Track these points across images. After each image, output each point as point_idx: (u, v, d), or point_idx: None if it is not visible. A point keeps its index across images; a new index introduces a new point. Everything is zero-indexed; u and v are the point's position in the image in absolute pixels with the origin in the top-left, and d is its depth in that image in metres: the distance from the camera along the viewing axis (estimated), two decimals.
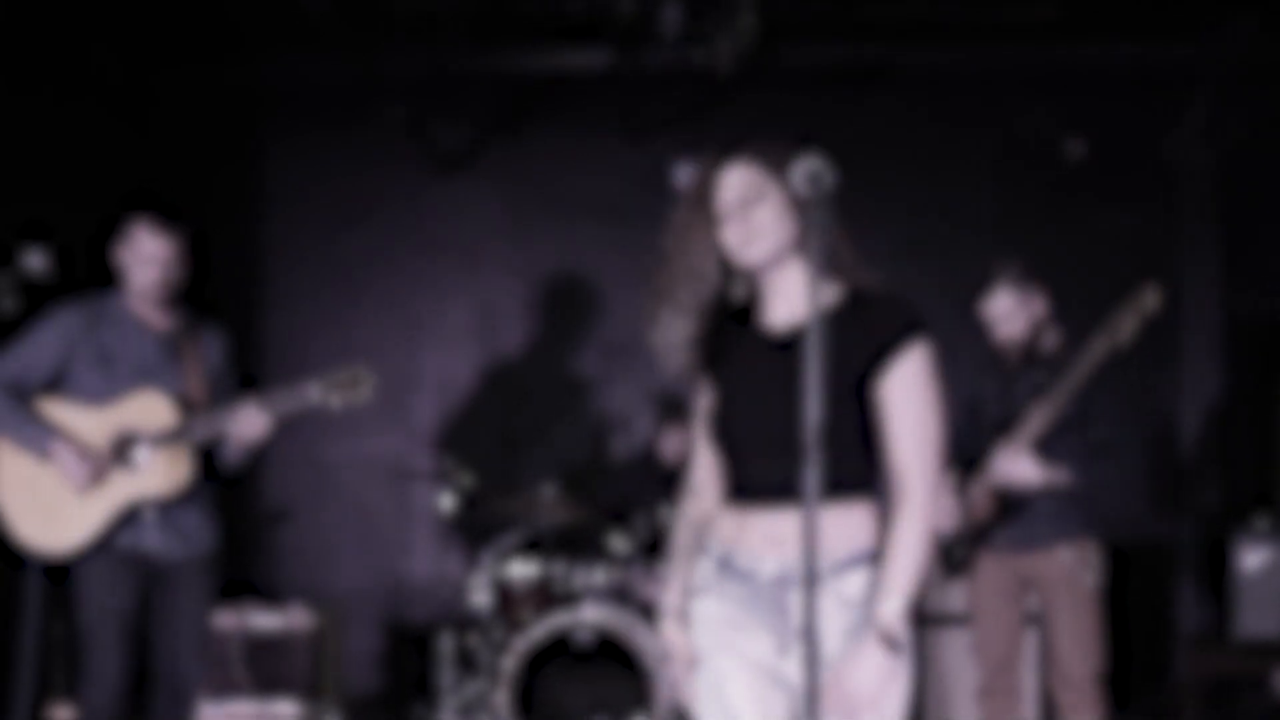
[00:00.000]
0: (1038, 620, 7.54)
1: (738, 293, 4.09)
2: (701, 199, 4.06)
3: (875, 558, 3.95)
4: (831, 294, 3.98)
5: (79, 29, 8.89)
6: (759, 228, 3.94)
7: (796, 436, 3.68)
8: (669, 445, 9.41)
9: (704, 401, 4.18)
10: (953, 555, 7.13)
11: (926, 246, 9.91)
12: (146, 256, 6.40)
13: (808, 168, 3.63)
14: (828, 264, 3.85)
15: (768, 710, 3.97)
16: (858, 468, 3.97)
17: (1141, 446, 10.04)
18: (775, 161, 3.96)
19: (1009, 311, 6.95)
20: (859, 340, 3.92)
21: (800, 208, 3.88)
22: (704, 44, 8.93)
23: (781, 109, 9.94)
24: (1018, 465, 6.68)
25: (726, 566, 4.01)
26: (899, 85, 10.41)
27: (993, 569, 7.01)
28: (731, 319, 4.12)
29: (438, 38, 9.46)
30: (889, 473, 3.98)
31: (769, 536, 3.92)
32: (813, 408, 3.53)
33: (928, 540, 3.94)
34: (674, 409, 9.41)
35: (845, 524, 3.92)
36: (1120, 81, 10.17)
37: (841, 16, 9.66)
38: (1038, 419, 6.67)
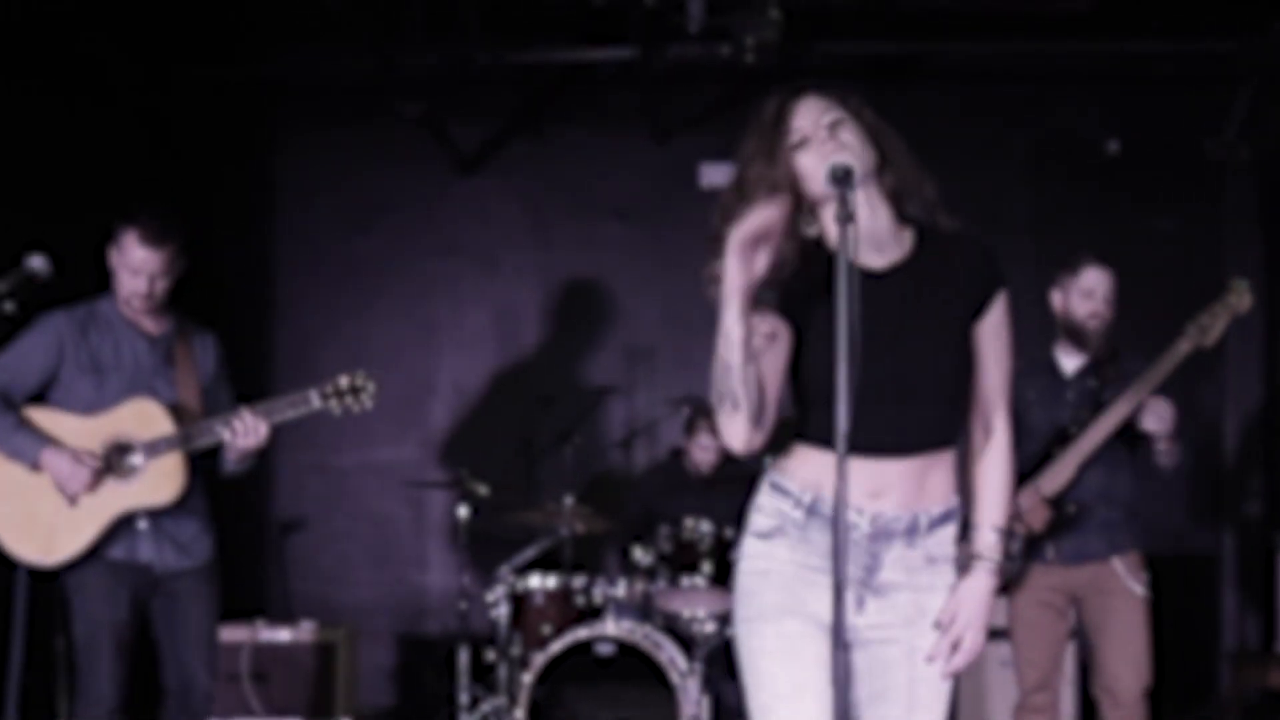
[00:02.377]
0: (1075, 635, 7.50)
1: (809, 230, 3.99)
2: (775, 127, 3.98)
3: (957, 510, 4.01)
4: (909, 237, 4.01)
5: (86, 25, 8.89)
6: (848, 143, 3.87)
7: (907, 382, 3.79)
8: (697, 453, 9.37)
9: (767, 328, 3.96)
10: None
11: (974, 233, 9.83)
12: (133, 265, 6.38)
13: (833, 166, 3.65)
14: (912, 201, 3.97)
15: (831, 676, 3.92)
16: (957, 416, 4.03)
17: (1183, 455, 10.00)
18: (846, 98, 3.99)
19: (1111, 288, 6.91)
20: (960, 281, 3.97)
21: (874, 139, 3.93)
22: (730, 38, 8.89)
23: None
24: (1156, 411, 6.60)
25: (815, 513, 3.95)
26: (931, 80, 10.40)
27: (1042, 582, 6.95)
28: (809, 254, 4.00)
29: (456, 32, 9.44)
30: (976, 408, 4.06)
31: (869, 486, 3.86)
32: (843, 403, 3.53)
33: (1014, 473, 4.11)
34: (701, 415, 9.36)
35: (943, 477, 3.97)
36: (1161, 78, 10.13)
37: (872, 9, 9.62)
38: (1105, 425, 6.63)
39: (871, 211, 3.87)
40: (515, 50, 9.96)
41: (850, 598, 3.83)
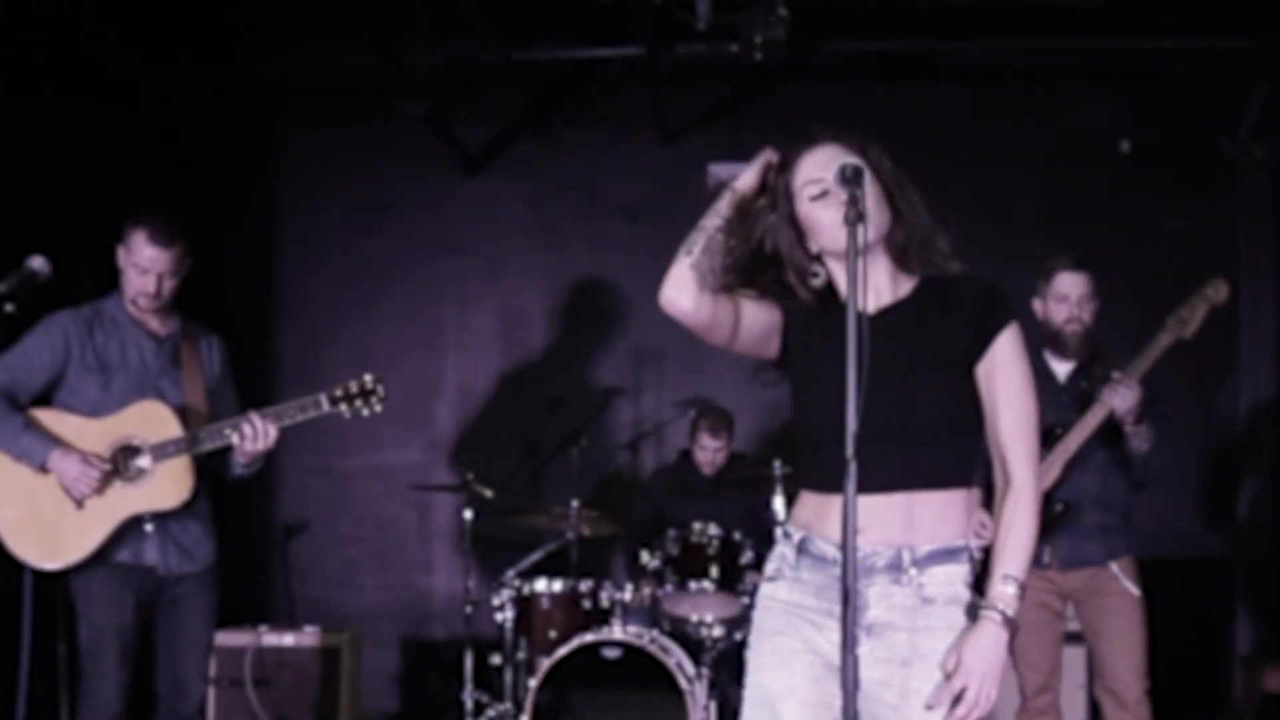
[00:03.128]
0: (1079, 638, 7.51)
1: (814, 281, 3.99)
2: (787, 187, 3.97)
3: (962, 553, 3.97)
4: (907, 284, 4.00)
5: (88, 23, 8.89)
6: (869, 204, 3.81)
7: (888, 421, 3.77)
8: (698, 454, 9.37)
9: (755, 313, 4.09)
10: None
11: (970, 248, 9.77)
12: (141, 264, 6.39)
13: (842, 165, 3.67)
14: (922, 255, 3.96)
15: (829, 702, 3.89)
16: (958, 457, 3.98)
17: (1196, 458, 10.00)
18: (866, 148, 3.95)
19: (1086, 291, 6.91)
20: (957, 322, 3.94)
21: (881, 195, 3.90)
22: (738, 36, 8.88)
23: (820, 104, 9.92)
24: (1120, 391, 6.60)
25: (805, 552, 3.99)
26: (942, 79, 10.40)
27: (1037, 584, 6.96)
28: (811, 305, 4.03)
29: (461, 31, 9.44)
30: (994, 453, 4.00)
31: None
32: (852, 409, 3.54)
33: (1037, 520, 4.00)
34: (702, 416, 9.37)
35: (939, 516, 3.93)
36: (1174, 76, 10.12)
37: (881, 6, 9.62)
38: (1090, 422, 6.65)
39: (871, 261, 3.85)
40: (521, 49, 9.96)
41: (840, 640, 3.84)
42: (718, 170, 10.30)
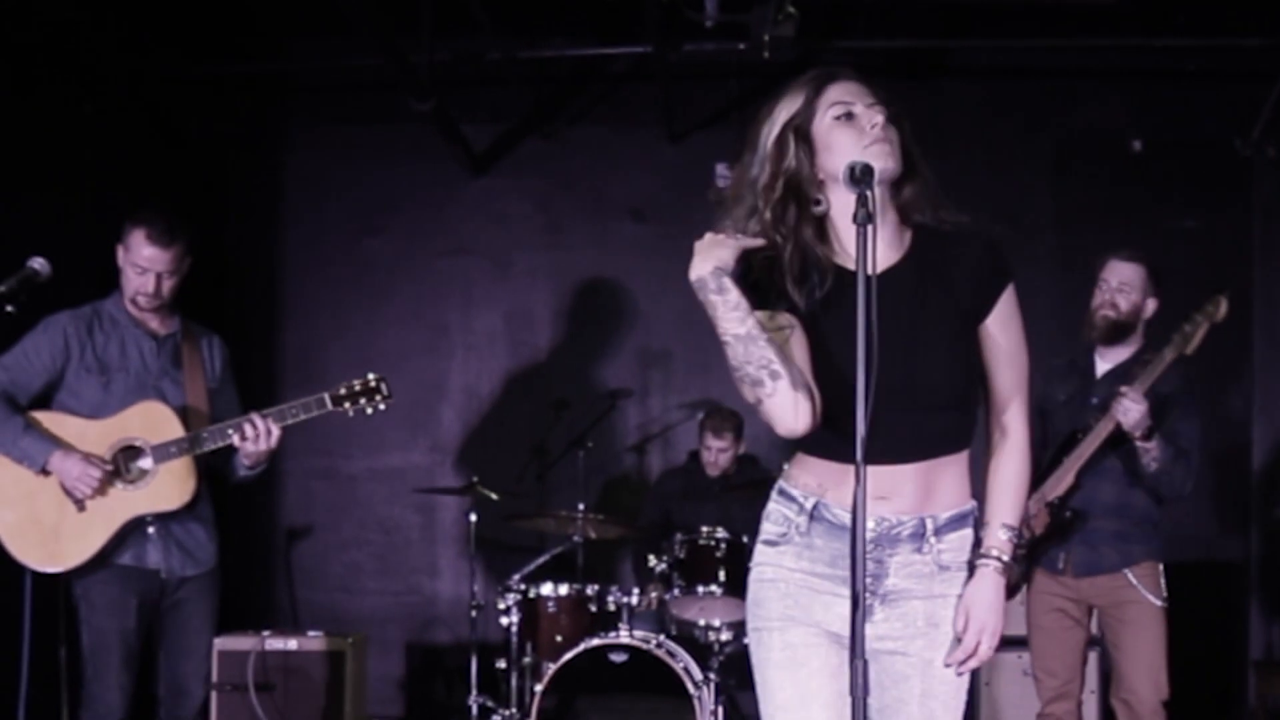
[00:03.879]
0: (1098, 643, 7.50)
1: (817, 209, 3.94)
2: (808, 95, 3.95)
3: (971, 516, 3.98)
4: (908, 237, 3.97)
5: (91, 21, 8.89)
6: (892, 145, 3.83)
7: (907, 386, 3.75)
8: (704, 455, 9.37)
9: (786, 320, 3.94)
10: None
11: (978, 227, 9.77)
12: (140, 264, 6.38)
13: (851, 165, 3.63)
14: (917, 197, 3.93)
15: (844, 686, 3.88)
16: (967, 418, 3.98)
17: (1210, 461, 9.97)
18: (890, 100, 3.95)
19: (1128, 281, 6.90)
20: (961, 278, 3.93)
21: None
22: (747, 34, 8.88)
23: None
24: (1124, 404, 6.59)
25: (818, 518, 3.94)
26: (953, 76, 10.39)
27: (1054, 590, 6.96)
28: (812, 263, 3.93)
29: (467, 29, 9.44)
30: (992, 406, 4.03)
31: (871, 492, 3.70)
32: (861, 409, 3.49)
33: (1030, 472, 4.06)
34: (708, 417, 9.36)
35: (953, 481, 3.94)
36: (1189, 75, 10.09)
37: (892, 3, 9.62)
38: (1100, 432, 6.65)
39: (881, 217, 3.76)
40: (528, 47, 9.97)
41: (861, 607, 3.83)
42: (726, 169, 10.30)
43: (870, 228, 3.54)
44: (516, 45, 9.83)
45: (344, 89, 10.69)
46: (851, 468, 3.61)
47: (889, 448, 3.74)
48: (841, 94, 3.91)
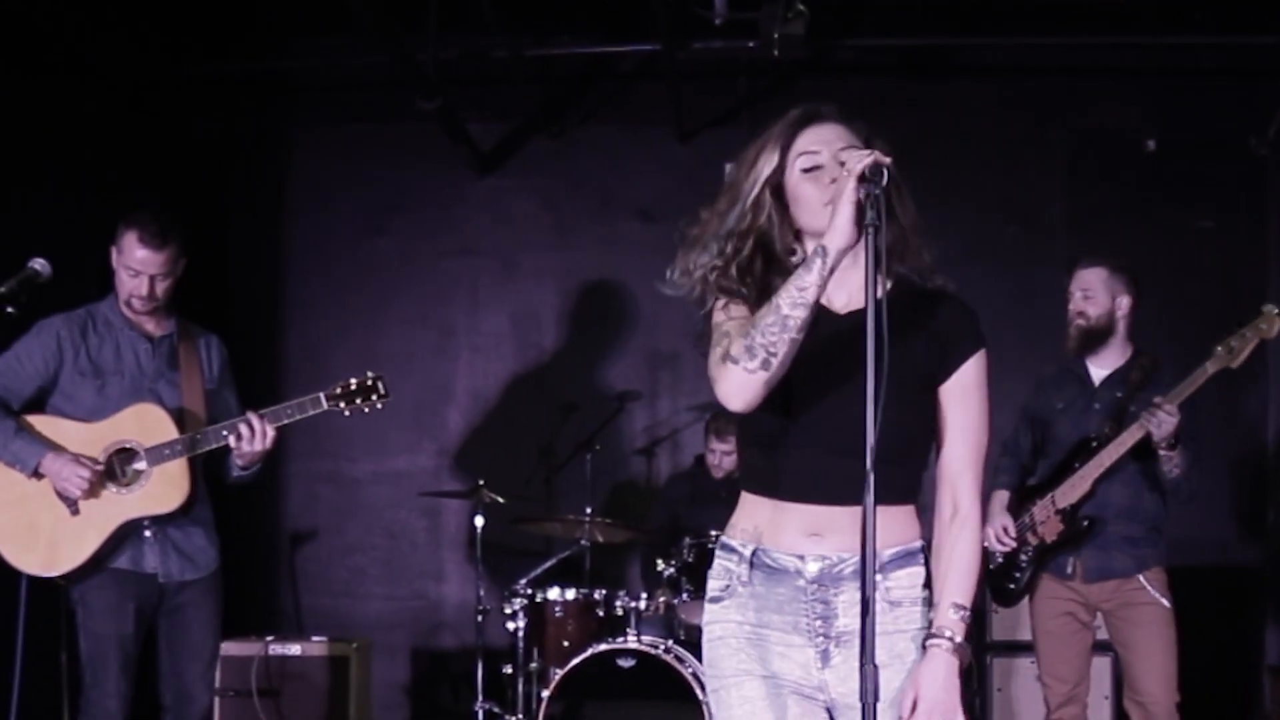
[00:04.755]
0: (1106, 647, 7.50)
1: (793, 260, 3.92)
2: (782, 146, 3.93)
3: (919, 554, 3.94)
4: (889, 283, 3.89)
5: (93, 19, 8.88)
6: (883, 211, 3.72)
7: (850, 433, 3.61)
8: (710, 458, 9.36)
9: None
10: (1010, 583, 7.12)
11: (993, 249, 9.83)
12: (133, 266, 6.37)
13: (864, 167, 3.57)
14: (895, 243, 3.85)
15: None
16: (909, 474, 3.94)
17: (1225, 465, 9.96)
18: (871, 137, 3.89)
19: (1089, 286, 6.93)
20: (927, 338, 3.89)
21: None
22: (756, 32, 8.88)
23: (841, 101, 9.87)
24: (1159, 416, 6.58)
25: (758, 564, 3.92)
26: (964, 75, 10.37)
27: (1061, 594, 6.97)
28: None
29: (473, 26, 9.43)
30: (942, 477, 3.98)
31: (808, 529, 3.82)
32: (871, 411, 3.46)
33: (980, 549, 3.98)
34: (715, 420, 9.35)
35: (897, 523, 3.89)
36: (1203, 73, 10.09)
37: (902, 1, 9.62)
38: (1126, 441, 6.66)
39: (853, 258, 3.72)
40: (534, 44, 9.98)
41: (812, 653, 3.87)
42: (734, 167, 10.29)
43: (874, 230, 3.51)
44: (524, 43, 9.83)
45: (349, 87, 10.68)
46: (791, 508, 3.81)
47: (821, 489, 3.78)
48: (810, 142, 3.90)
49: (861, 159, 3.58)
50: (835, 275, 3.70)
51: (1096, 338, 6.94)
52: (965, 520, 3.93)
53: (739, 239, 3.96)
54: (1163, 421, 6.46)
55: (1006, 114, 10.39)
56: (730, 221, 3.99)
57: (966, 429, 3.94)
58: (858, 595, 3.73)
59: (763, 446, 3.93)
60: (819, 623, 3.86)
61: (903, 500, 3.91)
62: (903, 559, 3.91)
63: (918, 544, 3.95)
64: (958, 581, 3.88)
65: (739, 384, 3.75)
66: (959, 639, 3.84)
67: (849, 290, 3.89)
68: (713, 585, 4.03)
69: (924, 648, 3.86)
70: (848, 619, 3.84)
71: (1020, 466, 7.22)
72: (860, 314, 3.70)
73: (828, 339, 3.72)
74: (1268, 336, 6.54)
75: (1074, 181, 10.31)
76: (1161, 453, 6.58)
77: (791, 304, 3.64)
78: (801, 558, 3.85)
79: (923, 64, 10.25)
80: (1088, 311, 6.93)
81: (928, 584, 3.94)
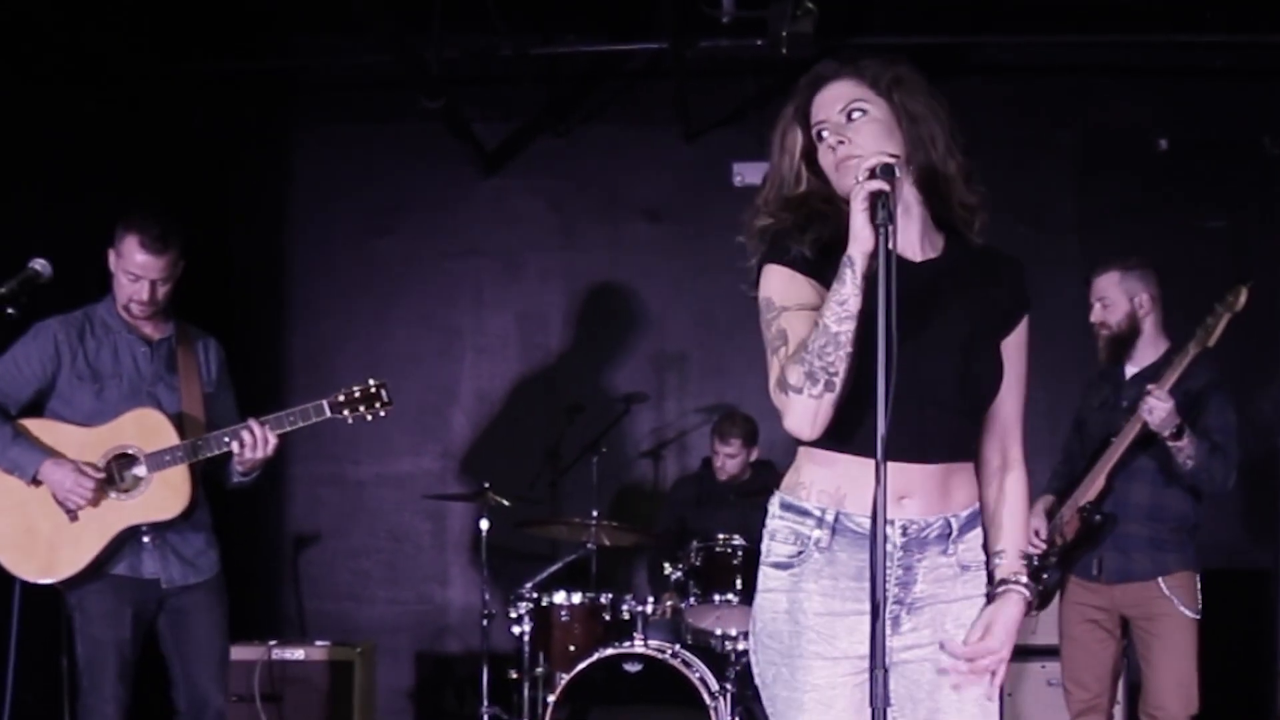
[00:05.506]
0: (1126, 654, 7.49)
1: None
2: (801, 113, 3.95)
3: (979, 515, 3.95)
4: (940, 241, 3.93)
5: (94, 16, 8.88)
6: (860, 143, 3.75)
7: (935, 386, 3.68)
8: (716, 460, 9.35)
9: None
10: (1039, 585, 7.10)
11: (1004, 248, 9.74)
12: (134, 271, 6.36)
13: (873, 165, 3.54)
14: (950, 196, 3.87)
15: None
16: (978, 432, 3.95)
17: (1238, 468, 9.93)
18: (877, 76, 3.87)
19: (1106, 293, 6.92)
20: (993, 293, 3.91)
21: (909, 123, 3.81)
22: (764, 31, 8.88)
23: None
24: (1150, 403, 6.58)
25: (841, 530, 3.80)
26: (974, 74, 10.36)
27: (1088, 599, 6.96)
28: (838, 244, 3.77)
29: (478, 24, 9.43)
30: (993, 432, 3.99)
31: (896, 491, 3.66)
32: (881, 410, 3.39)
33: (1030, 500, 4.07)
34: (721, 422, 9.34)
35: (965, 481, 3.90)
36: (1215, 72, 10.08)
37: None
38: (1126, 436, 6.65)
39: (904, 209, 3.76)
40: (540, 43, 9.95)
41: (886, 617, 3.68)
42: (742, 169, 10.30)
43: (890, 228, 3.47)
44: (529, 42, 9.82)
45: (352, 86, 10.68)
46: (863, 467, 3.58)
47: (913, 445, 3.68)
48: (817, 111, 3.90)
49: (866, 167, 3.55)
50: (900, 231, 3.72)
51: (1123, 342, 6.92)
52: (1020, 471, 4.00)
53: (792, 207, 3.90)
54: (1154, 408, 6.44)
55: (1017, 113, 10.38)
56: (781, 197, 3.93)
57: (1020, 382, 3.98)
58: (939, 560, 3.83)
59: (842, 403, 3.73)
60: (897, 589, 3.81)
61: (973, 457, 3.93)
62: (972, 519, 3.91)
63: (978, 505, 3.95)
64: (1019, 529, 3.95)
65: (808, 413, 3.68)
66: (1028, 582, 3.90)
67: (910, 243, 3.85)
68: (779, 549, 3.90)
69: (993, 596, 3.88)
70: (925, 584, 3.83)
71: (1072, 473, 7.19)
72: (928, 266, 3.81)
73: (908, 291, 3.57)
74: (1234, 310, 6.52)
75: (1085, 181, 10.31)
76: (1169, 444, 6.56)
77: (837, 320, 3.58)
78: (891, 523, 3.72)
79: (933, 63, 10.19)
80: (1108, 320, 6.92)
81: (984, 545, 3.95)
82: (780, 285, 3.83)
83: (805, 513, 3.86)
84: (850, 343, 3.59)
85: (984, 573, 3.92)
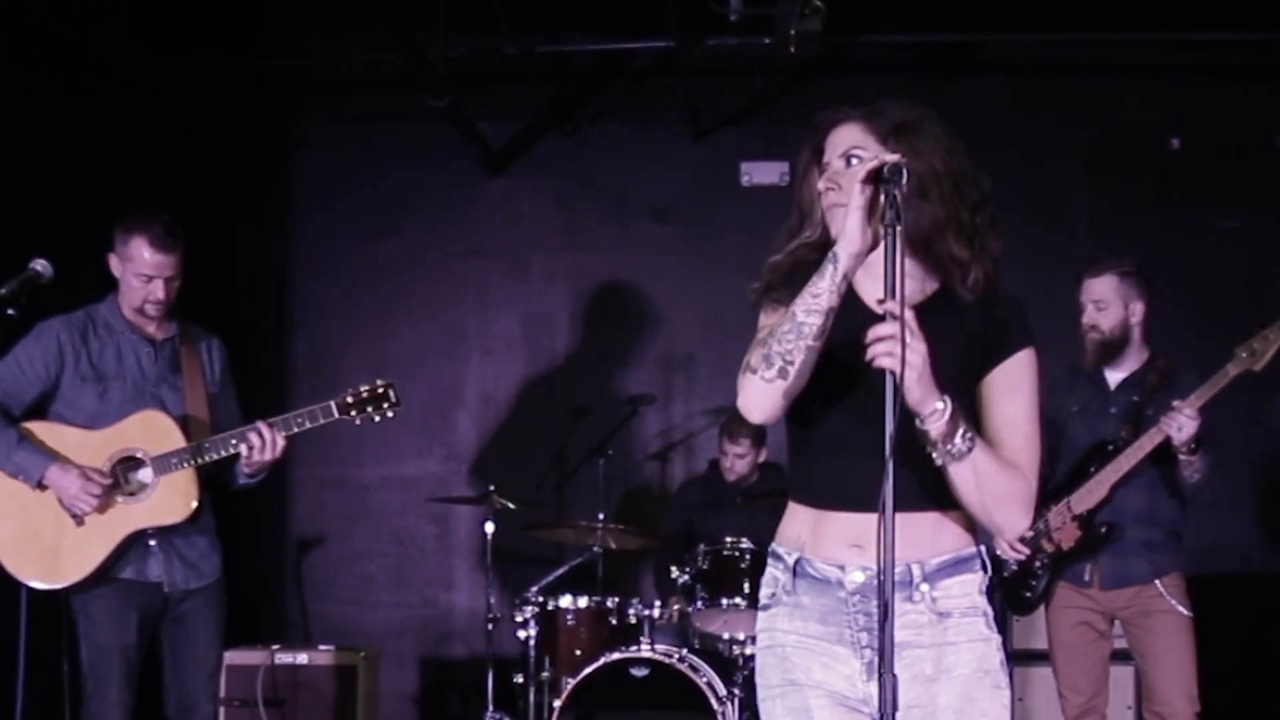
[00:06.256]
0: (1126, 656, 7.48)
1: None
2: (818, 158, 3.94)
3: (974, 560, 3.87)
4: (932, 285, 3.89)
5: (96, 13, 8.88)
6: (845, 196, 3.70)
7: (904, 437, 3.55)
8: (723, 461, 9.34)
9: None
10: (1026, 591, 7.10)
11: (1014, 249, 9.72)
12: (145, 271, 6.35)
13: (883, 165, 3.52)
14: (935, 250, 3.80)
15: None
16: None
17: (1247, 473, 9.93)
18: (881, 123, 3.84)
19: (1101, 296, 6.92)
20: (974, 336, 3.83)
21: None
22: (772, 29, 8.87)
23: (857, 99, 9.84)
24: (1179, 420, 6.55)
25: (801, 574, 3.89)
26: (985, 72, 10.36)
27: (1078, 603, 6.96)
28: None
29: (484, 22, 9.42)
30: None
31: (851, 539, 3.75)
32: (890, 419, 3.41)
33: (1030, 508, 3.82)
34: (729, 423, 9.33)
35: (942, 528, 3.84)
36: (1228, 70, 10.08)
37: None
38: (1145, 446, 6.64)
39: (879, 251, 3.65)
40: (546, 41, 9.95)
41: (857, 665, 3.83)
42: (751, 168, 10.29)
43: (897, 229, 3.46)
44: (535, 39, 9.82)
45: (357, 85, 10.68)
46: (834, 516, 3.78)
47: (864, 496, 3.61)
48: (828, 150, 3.91)
49: (868, 162, 3.57)
50: (870, 269, 3.69)
51: (1113, 349, 6.93)
52: (1018, 466, 3.78)
53: (815, 250, 3.86)
54: (1183, 425, 6.43)
55: (1028, 112, 10.38)
56: (804, 235, 3.94)
57: (1014, 423, 3.81)
58: (904, 606, 3.80)
59: (806, 453, 3.92)
60: (863, 634, 3.82)
61: (951, 505, 3.80)
62: (952, 567, 3.85)
63: (971, 550, 3.88)
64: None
65: (758, 394, 3.73)
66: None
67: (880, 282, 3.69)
68: (762, 593, 4.04)
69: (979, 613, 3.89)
70: (896, 632, 3.69)
71: (1050, 474, 7.17)
72: (917, 312, 3.62)
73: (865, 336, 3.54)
74: None
75: (1096, 181, 10.30)
76: (1182, 457, 6.55)
77: (806, 311, 3.61)
78: (843, 568, 3.81)
79: (942, 61, 10.23)
80: (1101, 325, 6.92)
81: (987, 592, 3.89)
82: (774, 321, 3.82)
83: (779, 558, 3.99)
84: (814, 336, 3.62)
85: (979, 619, 3.87)
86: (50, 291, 6.01)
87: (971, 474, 3.67)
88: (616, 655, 8.12)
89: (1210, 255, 9.89)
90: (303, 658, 8.96)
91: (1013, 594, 7.19)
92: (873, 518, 3.53)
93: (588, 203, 10.75)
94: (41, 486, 6.26)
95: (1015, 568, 7.10)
